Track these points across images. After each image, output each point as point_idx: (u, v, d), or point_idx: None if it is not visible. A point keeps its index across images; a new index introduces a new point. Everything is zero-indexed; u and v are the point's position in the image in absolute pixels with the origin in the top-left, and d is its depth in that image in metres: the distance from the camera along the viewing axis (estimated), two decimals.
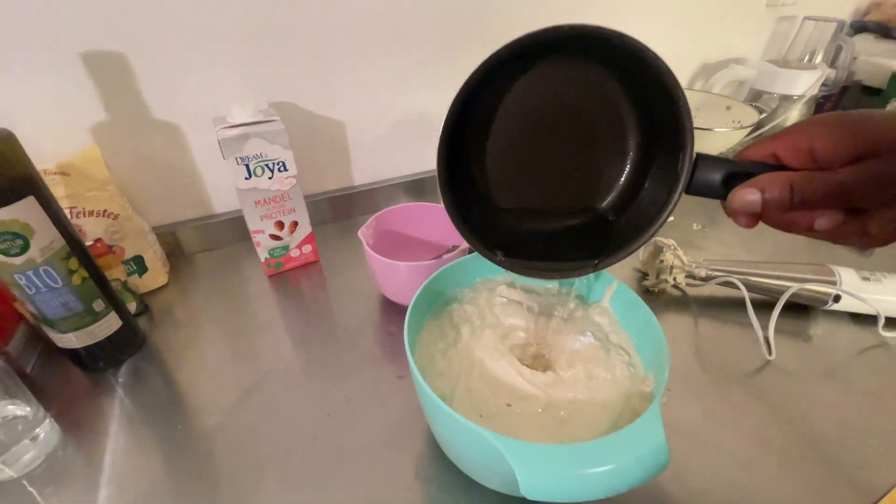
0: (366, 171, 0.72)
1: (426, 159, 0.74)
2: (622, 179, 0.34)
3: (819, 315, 0.55)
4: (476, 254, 0.43)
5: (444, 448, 0.37)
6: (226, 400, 0.45)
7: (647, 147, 0.32)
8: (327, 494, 0.37)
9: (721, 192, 0.28)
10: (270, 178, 0.52)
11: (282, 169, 0.52)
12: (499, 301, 0.41)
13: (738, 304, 0.55)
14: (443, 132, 0.28)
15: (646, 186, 0.33)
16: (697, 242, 0.67)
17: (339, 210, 0.71)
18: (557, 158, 0.33)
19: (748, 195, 0.27)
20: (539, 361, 0.37)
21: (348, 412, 0.43)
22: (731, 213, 0.29)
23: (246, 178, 0.51)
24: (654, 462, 0.26)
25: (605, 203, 0.34)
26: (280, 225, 0.57)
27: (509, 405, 0.33)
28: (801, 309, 0.55)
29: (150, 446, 0.41)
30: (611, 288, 0.39)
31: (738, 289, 0.53)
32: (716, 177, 0.28)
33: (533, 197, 0.35)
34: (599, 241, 0.33)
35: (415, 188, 0.75)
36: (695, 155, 0.28)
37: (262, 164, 0.51)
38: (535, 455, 0.25)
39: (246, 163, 0.50)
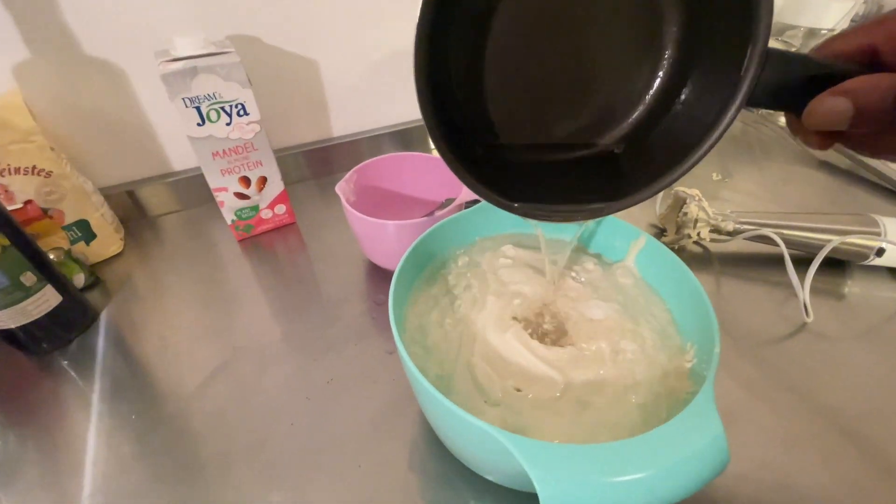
0: (346, 119, 0.64)
1: (415, 106, 0.65)
2: (654, 88, 0.26)
3: (856, 271, 0.49)
4: (475, 209, 0.37)
5: (442, 439, 0.31)
6: (190, 382, 0.39)
7: (691, 41, 0.24)
8: (306, 489, 0.32)
9: (795, 101, 0.21)
10: (229, 125, 0.44)
11: (241, 112, 0.44)
12: (503, 263, 0.35)
13: (767, 260, 0.50)
14: (418, 36, 0.21)
15: (684, 98, 0.25)
16: (717, 193, 0.61)
17: (317, 165, 0.63)
18: (572, 65, 0.25)
19: (836, 104, 0.20)
20: (553, 334, 0.31)
21: (330, 394, 0.38)
22: (806, 130, 0.22)
23: (199, 125, 0.43)
24: (711, 462, 0.20)
25: (630, 121, 0.27)
26: (246, 181, 0.49)
27: (519, 389, 0.27)
28: (835, 265, 0.49)
29: (103, 436, 0.36)
30: (637, 244, 0.33)
31: (772, 244, 0.47)
32: (790, 81, 0.21)
33: (545, 121, 0.27)
34: (625, 172, 0.26)
35: (402, 139, 0.66)
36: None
37: (216, 106, 0.43)
38: (559, 460, 0.20)
39: (196, 105, 0.42)
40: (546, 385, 0.27)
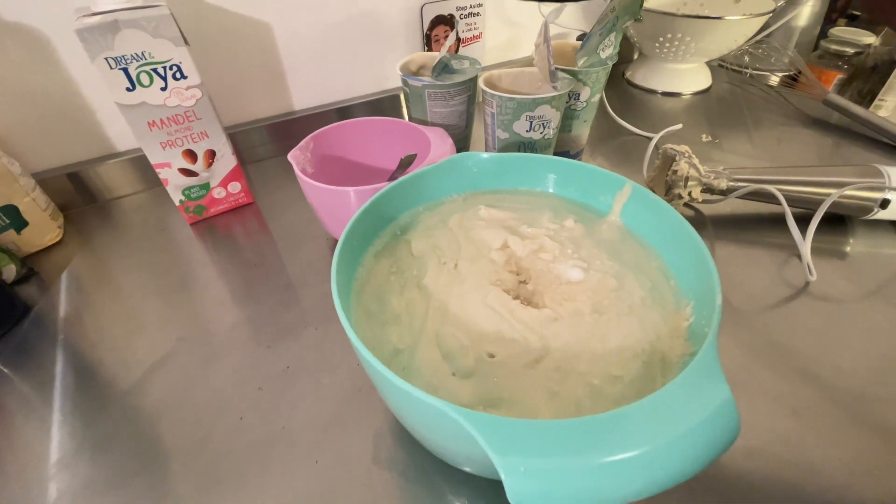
0: (307, 90, 0.59)
1: (384, 73, 0.61)
2: None
3: (858, 227, 0.46)
4: (439, 165, 0.32)
5: (406, 428, 0.27)
6: (125, 379, 0.35)
7: None
8: (254, 489, 0.28)
9: None
10: (164, 90, 0.39)
11: (178, 76, 0.39)
12: (476, 225, 0.31)
13: (763, 221, 0.46)
14: None
15: None
16: (708, 155, 0.57)
17: (278, 142, 0.59)
18: None
19: None
20: (528, 299, 0.27)
21: (286, 384, 0.33)
22: None
23: (128, 90, 0.38)
24: (719, 433, 0.16)
25: None
26: (191, 155, 0.44)
27: (492, 356, 0.23)
28: (836, 221, 0.46)
29: (30, 436, 0.31)
30: (622, 195, 0.29)
31: (768, 200, 0.43)
32: None
33: None
34: None
35: (373, 110, 0.62)
36: None
37: (146, 67, 0.38)
38: (529, 440, 0.16)
39: (123, 66, 0.37)
40: (521, 348, 0.23)
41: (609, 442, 0.16)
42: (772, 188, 0.41)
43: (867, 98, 0.76)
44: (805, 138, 0.60)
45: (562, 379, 0.22)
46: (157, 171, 0.43)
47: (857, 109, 0.60)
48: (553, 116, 0.42)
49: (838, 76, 0.78)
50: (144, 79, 0.38)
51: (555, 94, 0.40)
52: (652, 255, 0.27)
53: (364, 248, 0.29)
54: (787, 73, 0.73)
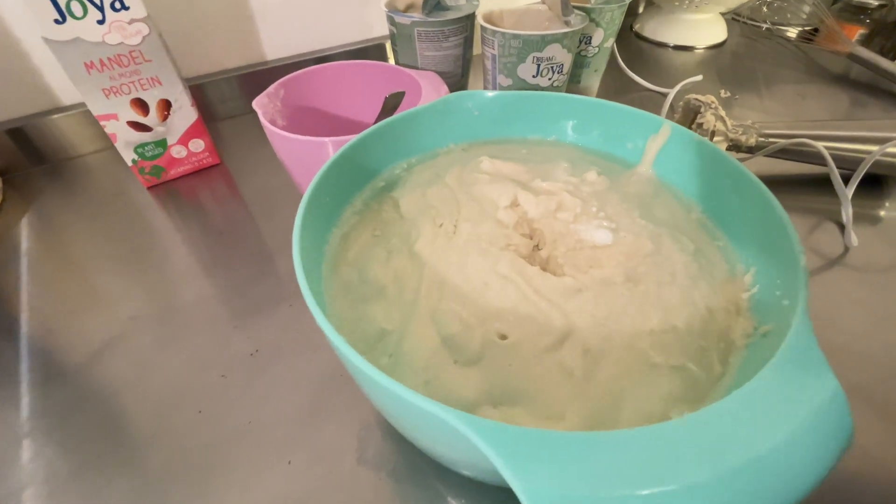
0: (280, 37, 0.52)
1: (367, 18, 0.54)
2: None
3: (893, 188, 0.41)
4: (430, 106, 0.27)
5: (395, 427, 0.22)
6: (66, 365, 0.29)
7: None
8: (218, 497, 0.23)
9: None
10: (101, 23, 0.33)
11: (118, 5, 0.33)
12: (478, 179, 0.25)
13: (793, 182, 0.42)
14: None
15: None
16: (728, 112, 0.52)
17: (249, 96, 0.52)
18: None
19: None
20: (543, 267, 0.22)
21: (254, 370, 0.28)
22: None
23: (57, 22, 0.31)
24: (829, 440, 0.12)
25: None
26: (141, 106, 0.38)
27: (504, 337, 0.18)
28: (869, 182, 0.41)
29: None
30: (657, 140, 0.24)
31: (799, 159, 0.39)
32: None
33: None
34: None
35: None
36: None
37: None
38: (563, 459, 0.11)
39: None
40: (539, 327, 0.18)
41: (685, 460, 0.11)
42: (818, 144, 0.36)
43: (890, 54, 0.72)
44: (828, 94, 0.55)
45: (592, 366, 0.17)
46: (102, 123, 0.37)
47: (886, 63, 0.55)
48: (564, 59, 0.36)
49: (860, 31, 0.73)
50: (76, 8, 0.31)
51: (567, 30, 0.34)
52: (693, 211, 0.23)
53: (340, 207, 0.23)
54: (806, 27, 0.67)
